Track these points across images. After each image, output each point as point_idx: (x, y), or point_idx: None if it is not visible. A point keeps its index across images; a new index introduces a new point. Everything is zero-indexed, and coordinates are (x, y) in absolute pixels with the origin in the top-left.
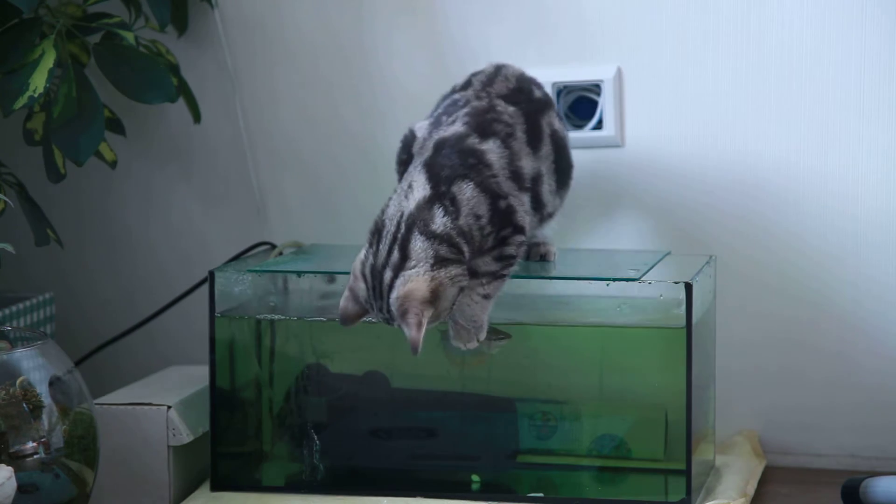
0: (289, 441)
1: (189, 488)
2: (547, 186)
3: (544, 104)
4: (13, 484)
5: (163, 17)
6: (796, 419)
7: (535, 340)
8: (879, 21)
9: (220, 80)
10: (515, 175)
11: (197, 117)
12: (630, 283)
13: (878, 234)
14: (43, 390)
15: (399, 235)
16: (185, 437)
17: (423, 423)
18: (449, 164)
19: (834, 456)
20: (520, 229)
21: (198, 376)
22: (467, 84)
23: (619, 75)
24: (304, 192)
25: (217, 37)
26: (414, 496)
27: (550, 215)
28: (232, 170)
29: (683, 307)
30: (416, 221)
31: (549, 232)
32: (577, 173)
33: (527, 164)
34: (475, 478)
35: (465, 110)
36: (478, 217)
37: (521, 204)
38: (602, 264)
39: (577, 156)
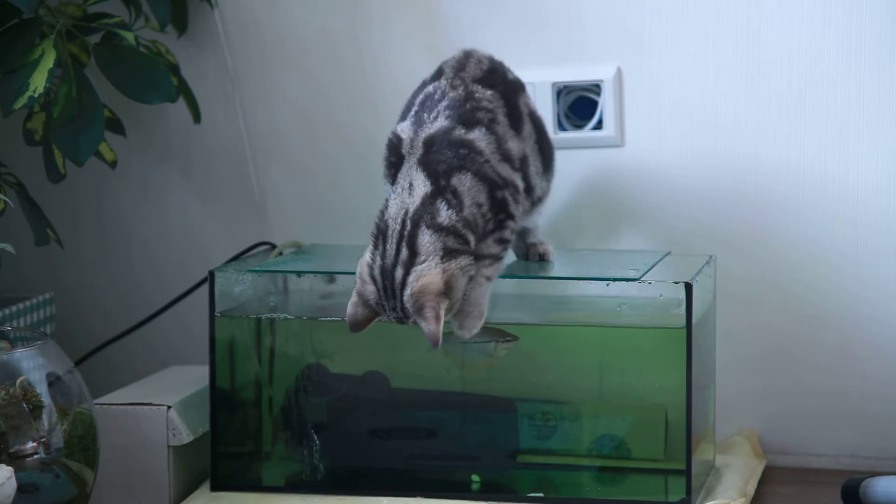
0: (289, 441)
1: (189, 488)
2: (534, 168)
3: (519, 86)
4: (13, 484)
5: (163, 17)
6: (796, 419)
7: (535, 340)
8: (879, 21)
9: (219, 80)
10: (506, 157)
11: (197, 117)
12: (630, 283)
13: (879, 235)
14: (43, 390)
15: (406, 233)
16: (185, 437)
17: (423, 423)
18: (443, 159)
19: (834, 456)
20: (511, 216)
21: (198, 376)
22: (439, 73)
23: (619, 75)
24: (304, 192)
25: (217, 37)
26: (414, 496)
27: (540, 199)
28: (231, 170)
29: (683, 307)
30: (423, 217)
31: (541, 221)
32: (576, 174)
33: (513, 147)
34: (475, 478)
35: (445, 103)
36: (479, 205)
37: (516, 191)
38: (602, 264)
39: (577, 156)
